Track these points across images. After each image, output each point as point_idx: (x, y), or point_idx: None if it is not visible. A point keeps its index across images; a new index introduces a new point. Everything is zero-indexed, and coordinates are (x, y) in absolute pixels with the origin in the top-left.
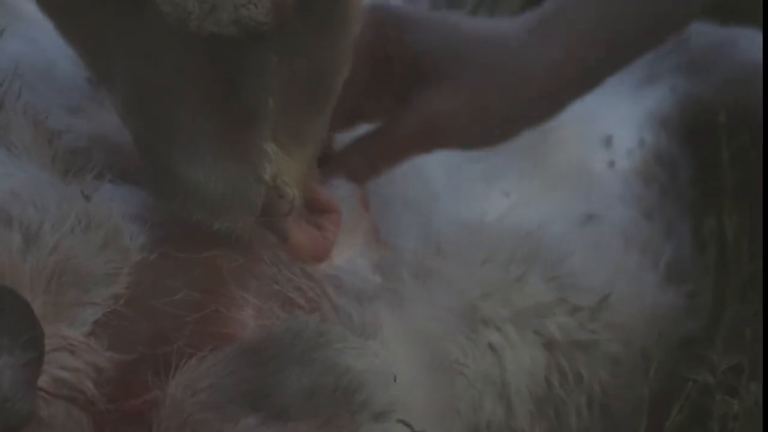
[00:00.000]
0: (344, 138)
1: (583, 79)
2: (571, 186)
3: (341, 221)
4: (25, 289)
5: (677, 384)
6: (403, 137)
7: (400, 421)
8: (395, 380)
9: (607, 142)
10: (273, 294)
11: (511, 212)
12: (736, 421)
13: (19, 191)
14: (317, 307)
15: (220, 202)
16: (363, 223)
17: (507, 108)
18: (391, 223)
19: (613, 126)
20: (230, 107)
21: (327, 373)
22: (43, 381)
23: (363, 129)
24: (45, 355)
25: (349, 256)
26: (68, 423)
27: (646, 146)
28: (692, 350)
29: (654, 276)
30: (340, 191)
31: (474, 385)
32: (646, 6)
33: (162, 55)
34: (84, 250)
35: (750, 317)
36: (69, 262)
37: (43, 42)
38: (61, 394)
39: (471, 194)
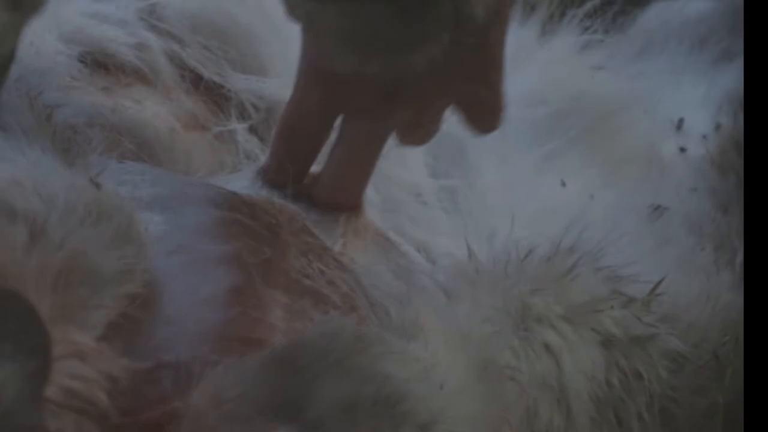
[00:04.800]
0: None
1: None
2: (636, 174)
3: None
4: (30, 290)
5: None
6: None
7: None
8: (442, 388)
9: (678, 125)
10: (304, 291)
11: (566, 202)
12: None
13: (21, 179)
14: (352, 304)
15: None
16: (369, 229)
17: None
18: (433, 215)
19: (684, 108)
20: None
21: (366, 382)
22: (50, 391)
23: None
24: (52, 362)
25: (366, 263)
26: None
27: (723, 131)
28: None
29: (729, 275)
30: None
31: (528, 391)
32: None
33: None
34: (94, 244)
35: None
36: (78, 258)
37: None
38: (70, 406)
39: (522, 184)
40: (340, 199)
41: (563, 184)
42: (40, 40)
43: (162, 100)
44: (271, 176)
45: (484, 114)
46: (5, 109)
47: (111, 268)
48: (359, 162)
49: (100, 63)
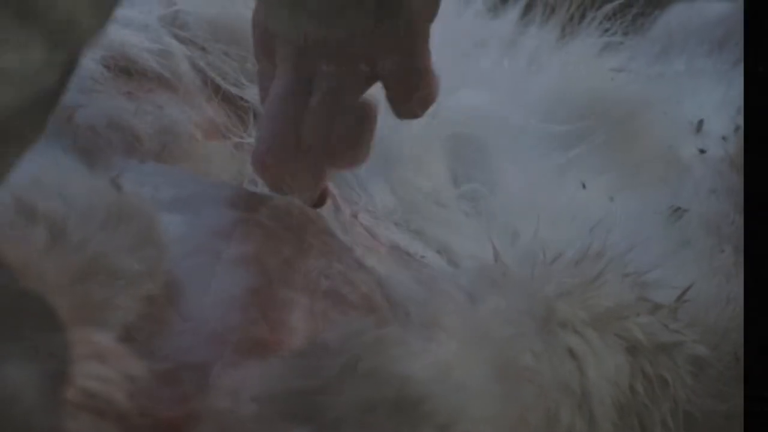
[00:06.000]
0: None
1: None
2: (655, 175)
3: None
4: (49, 290)
5: None
6: None
7: None
8: (462, 389)
9: (698, 127)
10: (324, 292)
11: (586, 204)
12: None
13: (42, 179)
14: (372, 304)
15: None
16: (380, 247)
17: None
18: (454, 218)
19: (704, 109)
20: None
21: (386, 384)
22: (69, 392)
23: None
24: (72, 363)
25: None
26: None
27: (742, 133)
28: None
29: None
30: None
31: (548, 393)
32: None
33: None
34: (114, 246)
35: None
36: (98, 260)
37: None
38: (89, 407)
39: (542, 186)
40: (271, 170)
41: (583, 186)
42: None
43: (183, 108)
44: None
45: (405, 91)
46: None
47: (131, 269)
48: (280, 126)
49: (122, 68)
